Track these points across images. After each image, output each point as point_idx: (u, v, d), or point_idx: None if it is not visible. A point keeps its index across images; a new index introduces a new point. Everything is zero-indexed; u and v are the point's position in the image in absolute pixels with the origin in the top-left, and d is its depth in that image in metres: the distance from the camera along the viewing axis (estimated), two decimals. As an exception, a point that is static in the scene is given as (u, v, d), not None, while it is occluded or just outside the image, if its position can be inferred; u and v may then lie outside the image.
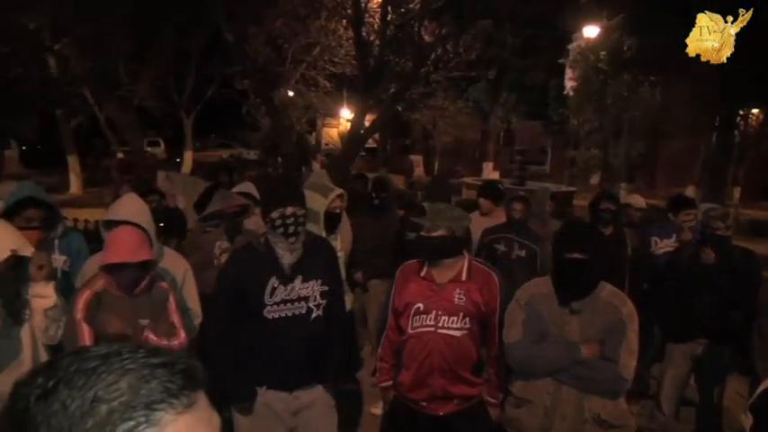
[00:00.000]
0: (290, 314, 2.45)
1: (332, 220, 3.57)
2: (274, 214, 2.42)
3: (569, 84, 19.95)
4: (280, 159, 11.93)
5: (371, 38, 10.74)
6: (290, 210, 2.42)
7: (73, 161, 15.94)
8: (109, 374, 0.60)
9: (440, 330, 2.55)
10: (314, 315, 2.50)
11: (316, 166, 19.45)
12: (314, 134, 24.48)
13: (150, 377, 0.60)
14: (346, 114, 19.87)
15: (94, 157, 19.21)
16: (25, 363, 2.48)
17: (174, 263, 3.08)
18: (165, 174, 8.86)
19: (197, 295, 3.11)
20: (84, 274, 2.88)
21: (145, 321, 2.62)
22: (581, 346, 2.33)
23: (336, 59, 14.69)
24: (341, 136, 22.69)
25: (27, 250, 2.39)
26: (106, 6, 9.27)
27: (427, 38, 10.43)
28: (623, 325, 2.34)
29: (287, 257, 2.45)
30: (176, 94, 18.60)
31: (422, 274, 2.63)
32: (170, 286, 2.75)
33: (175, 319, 2.68)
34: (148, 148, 18.43)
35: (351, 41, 13.03)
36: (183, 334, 2.67)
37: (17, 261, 2.33)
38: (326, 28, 13.65)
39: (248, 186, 4.22)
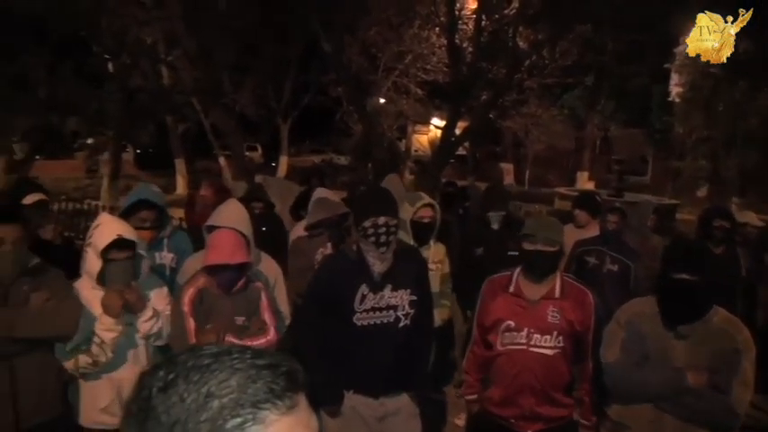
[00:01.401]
0: (378, 322, 2.48)
1: (421, 231, 3.51)
2: (366, 223, 2.45)
3: (675, 90, 18.76)
4: (370, 165, 12.13)
5: (464, 45, 10.68)
6: (382, 219, 2.44)
7: (180, 164, 17.13)
8: (221, 372, 0.64)
9: (532, 349, 2.46)
10: (402, 324, 2.51)
11: (406, 172, 19.60)
12: (404, 141, 24.64)
13: (256, 377, 0.64)
14: (436, 121, 19.85)
15: (199, 160, 20.50)
16: (140, 355, 2.68)
17: (269, 266, 3.21)
18: (262, 178, 9.26)
19: (287, 298, 3.23)
20: (184, 271, 3.08)
21: (240, 319, 2.76)
22: (687, 373, 2.17)
23: (428, 67, 14.75)
24: (431, 143, 22.68)
25: (133, 237, 2.60)
26: (214, 21, 9.90)
27: (522, 44, 10.21)
28: (738, 355, 2.15)
29: (377, 266, 2.48)
30: (274, 102, 19.44)
31: (511, 289, 2.54)
32: (264, 287, 2.87)
33: (267, 317, 2.80)
34: (247, 153, 19.39)
35: (443, 49, 13.04)
36: (272, 332, 2.78)
37: (125, 243, 2.54)
38: (419, 36, 13.75)
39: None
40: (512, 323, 2.49)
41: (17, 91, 11.27)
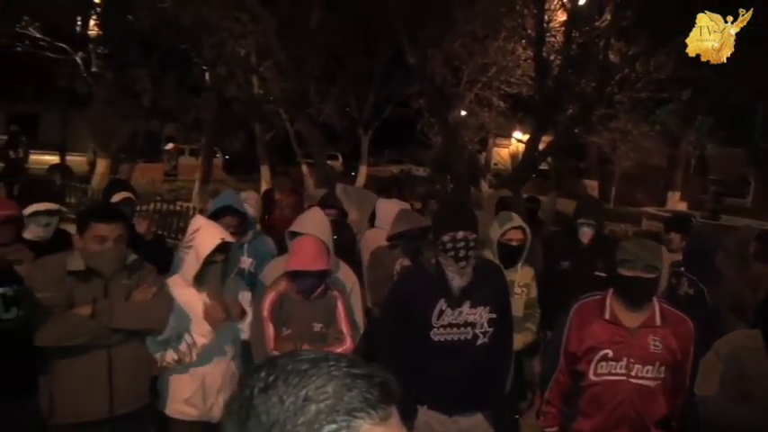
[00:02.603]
0: (455, 338, 2.44)
1: (508, 253, 3.37)
2: (445, 237, 2.43)
3: (783, 106, 17.33)
4: (449, 177, 12.09)
5: (551, 57, 10.43)
6: (461, 234, 2.42)
7: (264, 170, 17.83)
8: (318, 378, 0.66)
9: (632, 380, 2.31)
10: (480, 342, 2.46)
11: (484, 185, 19.33)
12: (484, 154, 24.34)
13: (352, 386, 0.65)
14: (518, 135, 19.46)
15: (282, 167, 21.24)
16: (226, 352, 2.80)
17: (347, 274, 3.27)
18: (342, 186, 9.45)
19: (361, 308, 3.26)
20: (266, 273, 3.19)
21: (318, 325, 2.82)
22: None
23: (512, 80, 14.51)
24: (512, 156, 22.26)
25: (231, 239, 2.75)
26: (304, 35, 10.27)
27: (613, 57, 9.82)
28: None
29: (456, 281, 2.45)
30: (357, 113, 19.82)
31: (606, 315, 2.38)
32: (341, 295, 2.92)
33: (344, 326, 2.84)
34: (328, 162, 19.87)
35: (529, 62, 12.79)
36: (348, 342, 2.81)
37: (226, 246, 2.68)
38: (504, 48, 13.57)
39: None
40: (609, 352, 2.34)
41: (126, 98, 12.24)
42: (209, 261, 2.63)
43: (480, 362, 2.45)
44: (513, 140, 21.09)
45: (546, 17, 9.84)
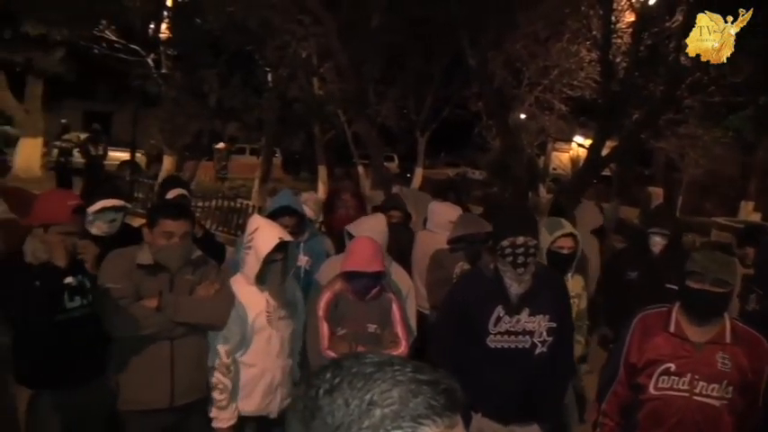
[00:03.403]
0: (512, 346, 2.40)
1: (558, 262, 3.24)
2: (504, 243, 2.39)
3: None
4: (506, 181, 11.90)
5: (617, 60, 10.09)
6: (521, 239, 2.37)
7: (322, 170, 18.13)
8: (383, 382, 0.66)
9: (696, 397, 2.21)
10: (538, 351, 2.40)
11: (543, 191, 18.93)
12: (542, 158, 23.83)
13: (417, 392, 0.65)
14: (579, 139, 18.91)
15: (339, 167, 21.54)
16: (285, 349, 2.85)
17: (402, 278, 3.26)
18: (399, 188, 9.47)
19: (415, 313, 3.24)
20: (323, 271, 3.24)
21: (372, 326, 2.83)
22: None
23: (575, 82, 14.15)
24: (572, 161, 21.67)
25: (290, 238, 2.79)
26: (365, 37, 10.37)
27: (684, 59, 9.40)
28: None
29: (515, 288, 2.40)
30: (414, 114, 19.83)
31: (671, 329, 2.28)
32: (396, 297, 2.92)
33: (399, 329, 2.84)
34: (384, 163, 19.97)
35: (593, 64, 12.42)
36: (404, 345, 2.81)
37: (284, 245, 2.73)
38: (567, 50, 13.25)
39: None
40: (672, 366, 2.24)
41: (193, 98, 12.76)
42: (268, 260, 2.68)
43: (538, 371, 2.40)
44: (573, 145, 20.52)
45: (613, 18, 9.51)
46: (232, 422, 2.68)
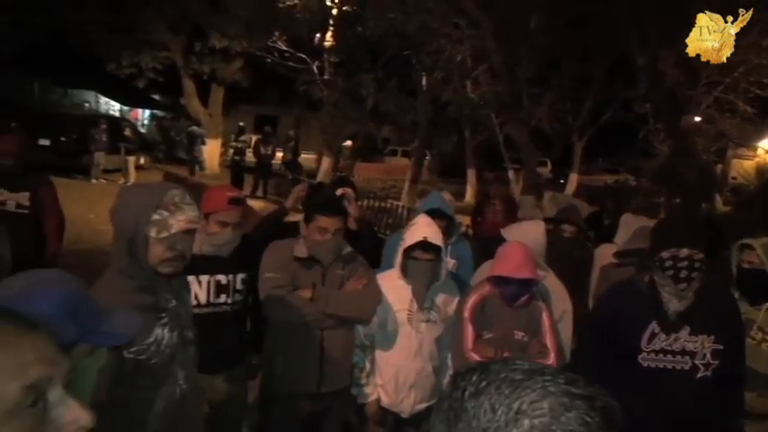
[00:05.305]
0: (669, 367, 2.18)
1: (746, 281, 2.78)
2: (665, 254, 2.19)
3: None
4: (673, 190, 10.84)
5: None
6: (684, 251, 2.15)
7: (471, 174, 18.06)
8: (533, 391, 0.63)
9: None
10: (700, 374, 2.16)
11: (719, 201, 16.95)
12: (720, 165, 21.28)
13: (570, 406, 0.61)
14: (766, 145, 16.62)
15: (488, 171, 21.25)
16: (423, 348, 2.90)
17: (562, 297, 3.06)
18: (551, 194, 9.10)
19: (570, 336, 3.00)
20: (476, 277, 3.21)
21: (519, 333, 2.75)
22: None
23: (765, 80, 12.48)
24: (758, 170, 19.14)
25: (439, 241, 2.83)
26: (522, 38, 10.13)
27: None
28: None
29: (673, 304, 2.19)
30: (571, 118, 18.91)
31: None
32: (546, 307, 2.80)
33: (548, 340, 2.71)
34: (536, 167, 19.29)
35: (789, 59, 10.87)
36: (552, 357, 2.67)
37: (430, 246, 2.79)
38: (758, 45, 11.72)
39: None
40: None
41: (351, 102, 13.53)
42: (409, 254, 2.76)
43: (701, 397, 2.15)
44: (759, 151, 18.08)
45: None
46: (374, 397, 2.84)
